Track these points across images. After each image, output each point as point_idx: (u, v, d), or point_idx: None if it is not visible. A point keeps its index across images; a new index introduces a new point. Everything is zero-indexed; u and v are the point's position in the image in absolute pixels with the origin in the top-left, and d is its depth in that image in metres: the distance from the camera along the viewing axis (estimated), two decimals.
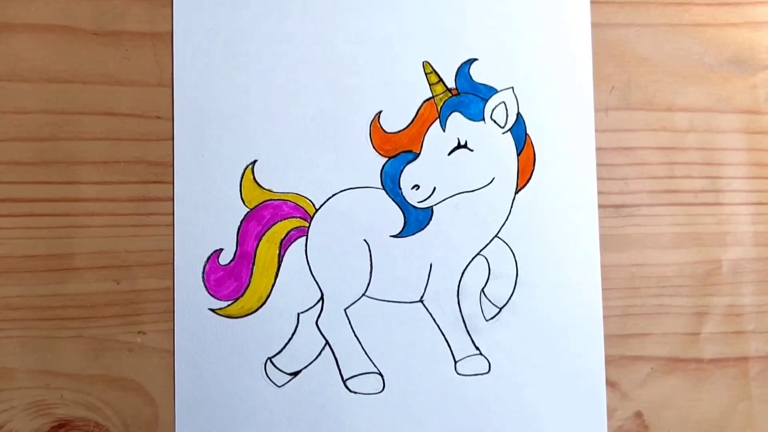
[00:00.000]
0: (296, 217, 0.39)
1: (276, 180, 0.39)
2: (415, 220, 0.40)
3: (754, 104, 0.42)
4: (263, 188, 0.39)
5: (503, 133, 0.41)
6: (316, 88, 0.40)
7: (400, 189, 0.40)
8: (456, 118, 0.40)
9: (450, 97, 0.40)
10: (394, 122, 0.40)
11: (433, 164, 0.40)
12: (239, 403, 0.38)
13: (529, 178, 0.41)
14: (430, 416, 0.39)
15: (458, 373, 0.40)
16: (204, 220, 0.39)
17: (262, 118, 0.39)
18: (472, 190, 0.40)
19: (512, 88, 0.41)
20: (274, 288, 0.39)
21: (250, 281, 0.39)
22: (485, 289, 0.40)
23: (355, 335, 0.39)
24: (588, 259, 0.41)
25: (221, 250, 0.39)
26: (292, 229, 0.39)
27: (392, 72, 0.40)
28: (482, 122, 0.40)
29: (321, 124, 0.40)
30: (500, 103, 0.40)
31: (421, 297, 0.40)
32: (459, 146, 0.40)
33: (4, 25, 0.38)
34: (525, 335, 0.40)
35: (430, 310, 0.40)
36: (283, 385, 0.39)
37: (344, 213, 0.40)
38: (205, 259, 0.39)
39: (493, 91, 0.41)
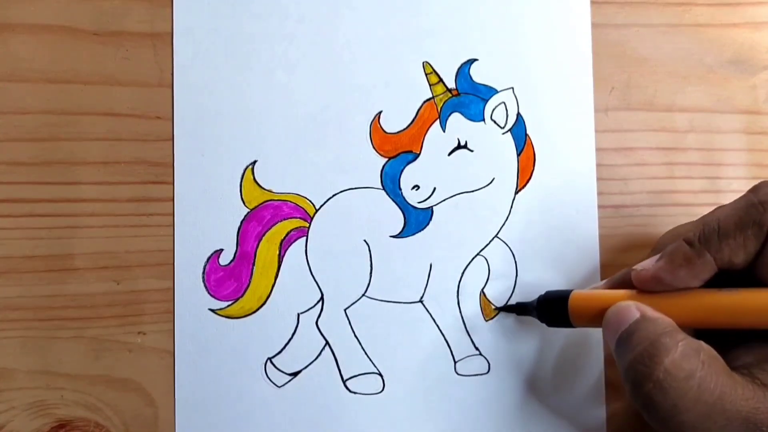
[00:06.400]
0: (296, 218, 0.39)
1: (276, 180, 0.39)
2: (415, 220, 0.40)
3: (754, 104, 0.42)
4: (263, 188, 0.39)
5: (503, 133, 0.41)
6: (316, 88, 0.40)
7: (400, 189, 0.40)
8: (456, 119, 0.40)
9: (450, 97, 0.40)
10: (394, 122, 0.40)
11: (433, 164, 0.40)
12: (239, 403, 0.38)
13: (529, 178, 0.41)
14: (430, 416, 0.39)
15: (458, 373, 0.40)
16: (204, 221, 0.39)
17: (262, 118, 0.39)
18: (472, 191, 0.40)
19: (512, 88, 0.41)
20: (274, 288, 0.39)
21: (250, 281, 0.39)
22: (485, 289, 0.40)
23: (355, 335, 0.39)
24: (588, 259, 0.41)
25: (221, 250, 0.39)
26: (292, 230, 0.39)
27: (392, 72, 0.40)
28: (482, 122, 0.40)
29: (321, 124, 0.40)
30: (500, 104, 0.40)
31: (421, 297, 0.40)
32: (459, 146, 0.40)
33: (4, 25, 0.38)
34: (525, 335, 0.40)
35: (430, 310, 0.40)
36: (283, 385, 0.39)
37: (344, 213, 0.40)
38: (205, 260, 0.39)
39: (493, 91, 0.41)
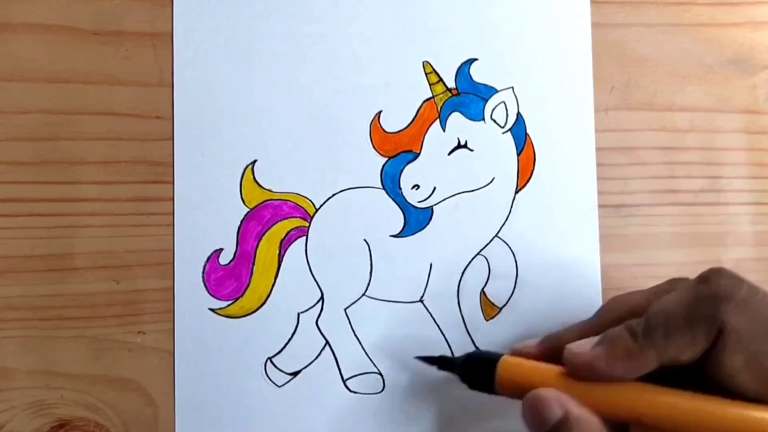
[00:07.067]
0: (296, 217, 0.39)
1: (276, 180, 0.39)
2: (415, 220, 0.40)
3: (754, 104, 0.42)
4: (263, 188, 0.39)
5: (503, 133, 0.41)
6: (316, 88, 0.40)
7: (400, 189, 0.40)
8: (456, 118, 0.40)
9: (450, 97, 0.40)
10: (394, 122, 0.40)
11: (433, 164, 0.40)
12: (239, 403, 0.38)
13: (529, 178, 0.41)
14: (430, 416, 0.39)
15: None
16: (204, 220, 0.39)
17: (262, 118, 0.39)
18: (472, 190, 0.40)
19: (512, 88, 0.41)
20: (274, 288, 0.39)
21: (250, 281, 0.39)
22: (485, 289, 0.40)
23: (355, 335, 0.39)
24: (588, 259, 0.41)
25: (221, 250, 0.39)
26: (292, 229, 0.39)
27: (392, 72, 0.40)
28: (482, 122, 0.40)
29: (321, 124, 0.40)
30: (500, 103, 0.40)
31: (421, 297, 0.40)
32: (459, 146, 0.40)
33: (4, 25, 0.38)
34: (525, 335, 0.40)
35: (430, 310, 0.40)
36: (283, 385, 0.39)
37: (344, 213, 0.40)
38: (205, 259, 0.39)
39: (493, 91, 0.41)
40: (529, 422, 0.30)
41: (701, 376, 0.29)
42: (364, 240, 0.40)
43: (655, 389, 0.29)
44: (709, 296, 0.28)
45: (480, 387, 0.34)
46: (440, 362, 0.36)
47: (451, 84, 0.40)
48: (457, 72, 0.40)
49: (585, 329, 0.33)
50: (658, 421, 0.29)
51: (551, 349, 0.32)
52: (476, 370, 0.34)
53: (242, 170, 0.39)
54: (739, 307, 0.28)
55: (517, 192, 0.41)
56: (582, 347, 0.30)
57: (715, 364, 0.28)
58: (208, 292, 0.39)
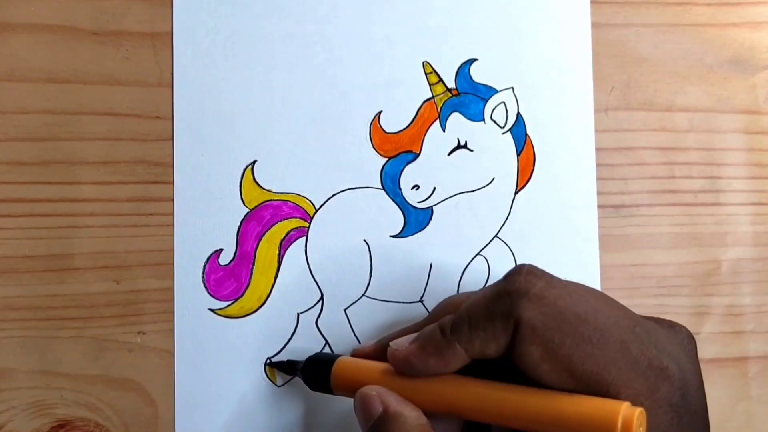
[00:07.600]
0: (296, 218, 0.39)
1: (276, 180, 0.39)
2: (415, 220, 0.40)
3: (754, 104, 0.42)
4: (263, 188, 0.39)
5: (503, 133, 0.41)
6: (315, 88, 0.40)
7: (400, 189, 0.40)
8: (456, 119, 0.40)
9: (450, 97, 0.40)
10: (394, 122, 0.40)
11: (433, 164, 0.40)
12: (239, 403, 0.38)
13: (529, 178, 0.41)
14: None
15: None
16: (204, 220, 0.39)
17: (262, 118, 0.39)
18: (472, 190, 0.40)
19: (512, 88, 0.41)
20: (274, 288, 0.39)
21: (249, 281, 0.39)
22: None
23: (355, 335, 0.39)
24: (588, 259, 0.41)
25: (221, 250, 0.39)
26: (292, 230, 0.39)
27: (392, 72, 0.40)
28: (482, 122, 0.40)
29: (321, 124, 0.40)
30: (500, 103, 0.40)
31: (421, 297, 0.40)
32: (459, 146, 0.40)
33: (4, 25, 0.38)
34: None
35: (431, 310, 0.40)
36: (283, 385, 0.39)
37: (344, 213, 0.40)
38: (205, 259, 0.39)
39: (493, 91, 0.41)
40: (359, 418, 0.32)
41: (515, 370, 0.30)
42: (364, 240, 0.40)
43: (468, 381, 0.30)
44: (506, 293, 0.29)
45: (319, 388, 0.35)
46: (285, 367, 0.38)
47: (451, 84, 0.40)
48: (457, 72, 0.40)
49: (415, 328, 0.34)
50: (470, 411, 0.30)
51: (385, 348, 0.33)
52: (315, 372, 0.35)
53: (242, 170, 0.39)
54: (532, 301, 0.29)
55: (516, 192, 0.41)
56: (401, 344, 0.32)
57: (518, 357, 0.29)
58: (208, 293, 0.39)
